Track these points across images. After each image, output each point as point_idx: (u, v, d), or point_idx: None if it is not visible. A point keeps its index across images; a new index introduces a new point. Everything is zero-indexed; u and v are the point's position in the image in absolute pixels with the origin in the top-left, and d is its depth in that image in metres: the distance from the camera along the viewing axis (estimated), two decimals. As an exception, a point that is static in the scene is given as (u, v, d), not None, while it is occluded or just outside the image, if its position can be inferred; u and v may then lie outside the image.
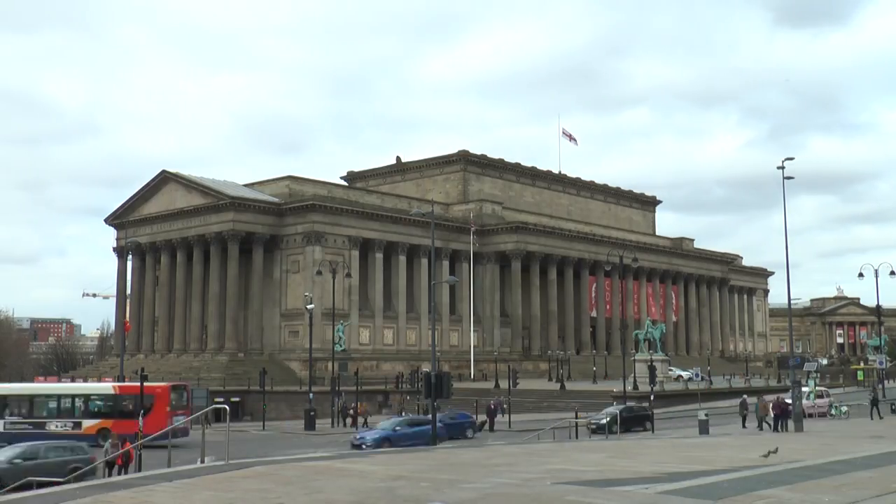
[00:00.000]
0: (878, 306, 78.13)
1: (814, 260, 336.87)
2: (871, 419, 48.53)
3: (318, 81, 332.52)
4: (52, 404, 48.07)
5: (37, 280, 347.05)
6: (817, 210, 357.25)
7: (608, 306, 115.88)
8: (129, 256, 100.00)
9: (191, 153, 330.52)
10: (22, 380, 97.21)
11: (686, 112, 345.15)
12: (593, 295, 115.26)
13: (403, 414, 59.58)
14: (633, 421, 48.92)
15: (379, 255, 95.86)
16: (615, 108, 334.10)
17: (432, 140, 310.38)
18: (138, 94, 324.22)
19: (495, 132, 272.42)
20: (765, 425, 42.66)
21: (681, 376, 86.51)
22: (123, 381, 59.12)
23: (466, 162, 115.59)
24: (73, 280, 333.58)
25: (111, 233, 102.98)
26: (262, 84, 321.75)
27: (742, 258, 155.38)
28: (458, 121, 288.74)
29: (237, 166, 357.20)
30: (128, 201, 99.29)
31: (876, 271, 64.51)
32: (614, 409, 49.88)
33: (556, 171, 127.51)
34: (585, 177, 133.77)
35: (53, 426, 46.13)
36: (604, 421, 45.87)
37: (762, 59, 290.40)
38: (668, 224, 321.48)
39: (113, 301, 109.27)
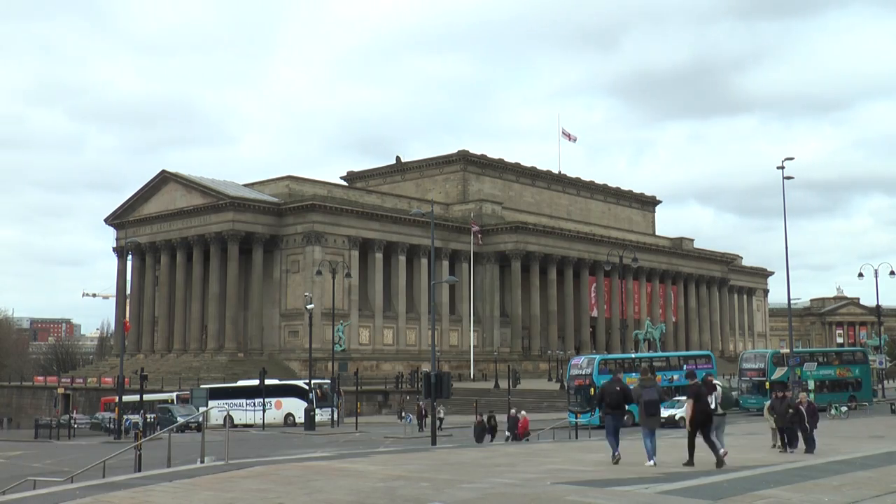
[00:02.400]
0: (878, 306, 78.21)
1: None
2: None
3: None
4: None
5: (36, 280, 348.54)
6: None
7: (608, 306, 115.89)
8: (129, 256, 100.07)
9: (300, 158, 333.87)
10: (21, 380, 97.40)
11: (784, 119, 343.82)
12: (593, 295, 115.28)
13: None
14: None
15: (379, 255, 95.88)
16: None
17: (433, 140, 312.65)
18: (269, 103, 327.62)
19: (494, 132, 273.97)
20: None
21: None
22: (123, 381, 59.61)
23: (466, 162, 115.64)
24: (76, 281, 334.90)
25: (111, 232, 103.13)
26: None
27: (742, 258, 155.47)
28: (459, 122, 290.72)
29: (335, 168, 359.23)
30: (128, 201, 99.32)
31: (876, 271, 64.62)
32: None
33: (555, 170, 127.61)
34: (585, 177, 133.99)
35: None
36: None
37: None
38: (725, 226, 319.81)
39: (113, 301, 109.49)
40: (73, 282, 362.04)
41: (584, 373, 53.96)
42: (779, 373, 60.10)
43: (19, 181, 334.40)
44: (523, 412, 44.08)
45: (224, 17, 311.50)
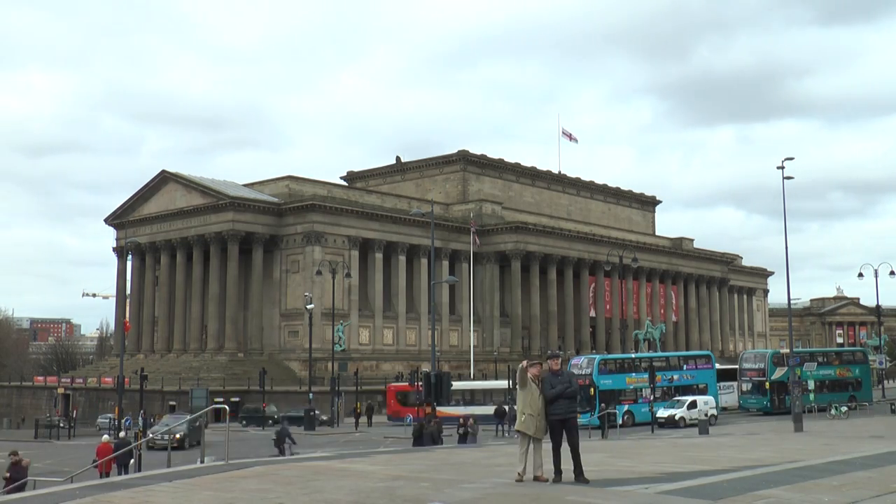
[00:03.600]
0: (878, 306, 78.22)
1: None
2: None
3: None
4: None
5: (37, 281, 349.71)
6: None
7: (608, 306, 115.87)
8: (129, 256, 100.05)
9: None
10: (21, 380, 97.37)
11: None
12: (593, 295, 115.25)
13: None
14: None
15: (379, 255, 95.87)
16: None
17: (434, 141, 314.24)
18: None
19: (493, 131, 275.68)
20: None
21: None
22: (123, 381, 59.46)
23: (466, 162, 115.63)
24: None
25: (111, 232, 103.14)
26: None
27: (742, 258, 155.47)
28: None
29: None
30: (127, 201, 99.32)
31: (876, 271, 64.63)
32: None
33: (555, 170, 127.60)
34: (585, 177, 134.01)
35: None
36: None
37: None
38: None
39: (112, 301, 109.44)
40: (97, 282, 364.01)
41: (584, 373, 53.98)
42: (779, 373, 60.08)
43: (63, 183, 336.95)
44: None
45: (300, 28, 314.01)
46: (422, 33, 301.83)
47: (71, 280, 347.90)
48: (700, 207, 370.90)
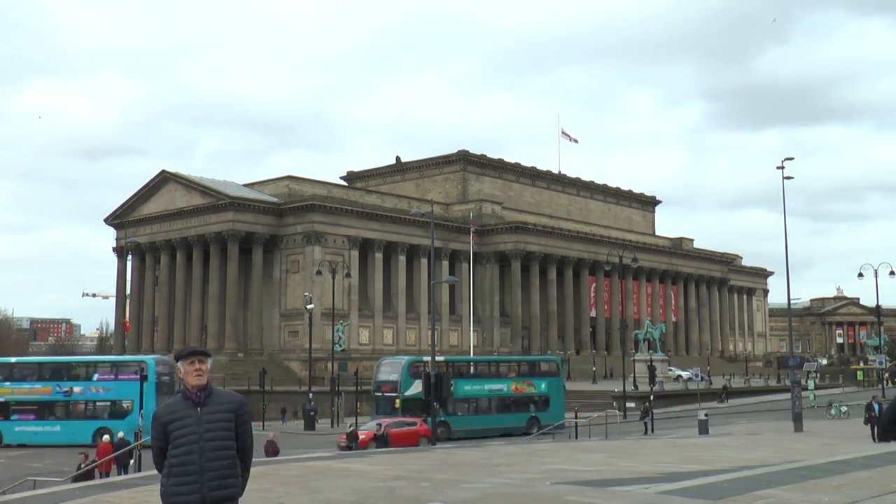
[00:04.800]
0: (878, 306, 78.16)
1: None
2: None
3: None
4: None
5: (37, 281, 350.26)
6: None
7: (608, 306, 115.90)
8: (129, 256, 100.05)
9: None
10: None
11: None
12: (593, 295, 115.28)
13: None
14: None
15: (379, 255, 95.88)
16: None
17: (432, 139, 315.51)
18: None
19: (492, 131, 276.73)
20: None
21: (680, 376, 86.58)
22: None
23: (466, 162, 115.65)
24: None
25: (111, 232, 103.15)
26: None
27: (741, 258, 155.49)
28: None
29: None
30: (127, 201, 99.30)
31: (876, 271, 64.53)
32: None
33: (555, 170, 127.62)
34: (585, 177, 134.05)
35: None
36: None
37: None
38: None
39: (112, 301, 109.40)
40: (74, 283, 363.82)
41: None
42: (416, 388, 46.04)
43: (107, 185, 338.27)
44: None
45: (378, 36, 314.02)
46: (489, 41, 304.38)
47: (74, 280, 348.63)
48: (734, 209, 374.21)
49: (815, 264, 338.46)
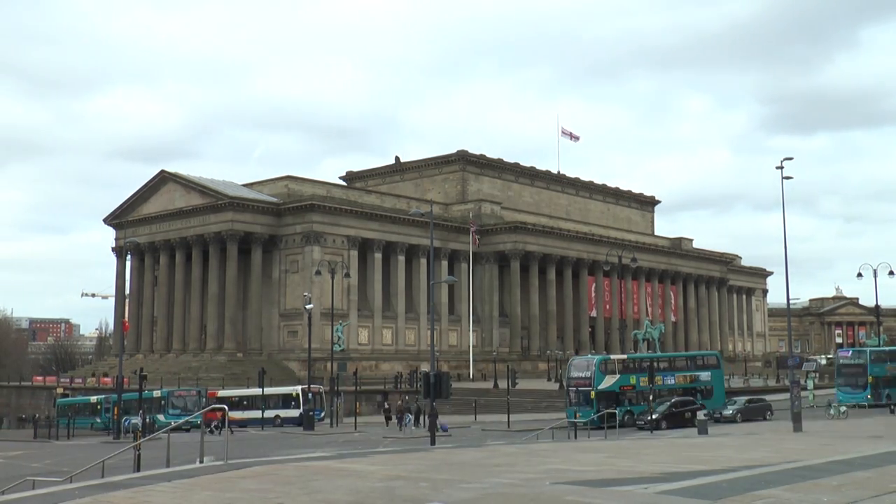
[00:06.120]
0: (877, 306, 78.18)
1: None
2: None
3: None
4: None
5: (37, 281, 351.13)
6: None
7: (607, 306, 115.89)
8: (128, 256, 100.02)
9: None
10: (20, 380, 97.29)
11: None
12: (592, 295, 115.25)
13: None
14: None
15: (378, 255, 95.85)
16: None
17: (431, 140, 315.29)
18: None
19: (493, 131, 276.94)
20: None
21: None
22: (122, 381, 59.65)
23: (465, 162, 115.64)
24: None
25: (110, 232, 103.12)
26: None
27: (741, 258, 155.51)
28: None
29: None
30: (127, 201, 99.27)
31: (875, 271, 64.60)
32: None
33: (554, 170, 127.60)
34: (584, 177, 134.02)
35: None
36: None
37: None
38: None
39: (112, 301, 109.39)
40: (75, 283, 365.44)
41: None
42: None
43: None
44: None
45: (456, 42, 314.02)
46: (567, 48, 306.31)
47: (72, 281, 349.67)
48: (768, 210, 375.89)
49: (835, 264, 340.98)
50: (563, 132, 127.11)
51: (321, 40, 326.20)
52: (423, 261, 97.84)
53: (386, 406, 64.55)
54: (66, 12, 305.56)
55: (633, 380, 53.40)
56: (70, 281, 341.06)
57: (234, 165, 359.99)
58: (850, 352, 65.89)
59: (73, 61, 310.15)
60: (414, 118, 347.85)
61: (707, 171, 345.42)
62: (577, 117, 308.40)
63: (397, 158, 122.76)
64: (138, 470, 25.96)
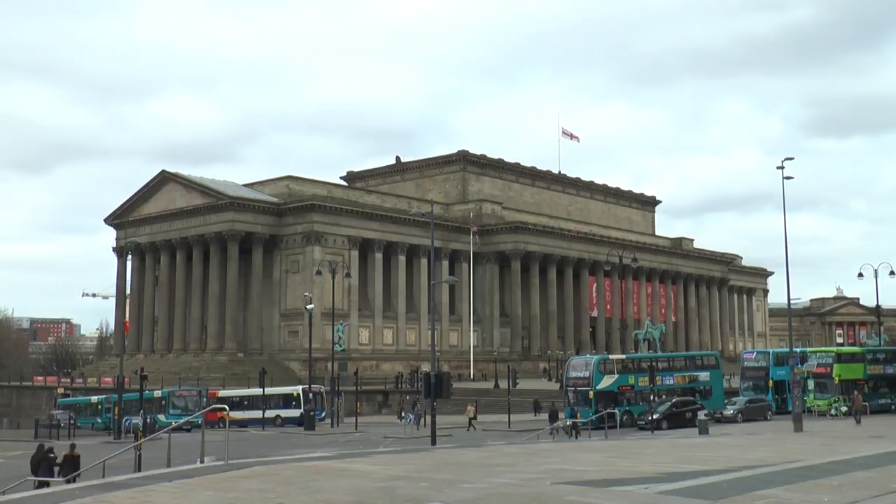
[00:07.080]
0: (878, 306, 78.16)
1: None
2: None
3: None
4: None
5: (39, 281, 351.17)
6: None
7: (608, 306, 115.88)
8: (129, 256, 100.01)
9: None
10: (21, 380, 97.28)
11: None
12: (593, 295, 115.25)
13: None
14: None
15: (378, 255, 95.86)
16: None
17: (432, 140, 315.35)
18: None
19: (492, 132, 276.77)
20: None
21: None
22: (123, 381, 59.75)
23: (466, 162, 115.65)
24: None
25: (111, 232, 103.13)
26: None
27: (741, 258, 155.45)
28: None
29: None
30: (127, 201, 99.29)
31: (875, 271, 64.53)
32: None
33: (555, 170, 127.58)
34: (585, 177, 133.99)
35: None
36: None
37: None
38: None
39: (112, 301, 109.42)
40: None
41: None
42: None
43: None
44: None
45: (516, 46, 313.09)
46: (615, 54, 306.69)
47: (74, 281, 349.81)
48: (792, 211, 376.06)
49: (851, 266, 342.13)
50: (563, 132, 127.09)
51: (376, 46, 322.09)
52: (424, 261, 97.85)
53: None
54: (126, 21, 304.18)
55: (631, 380, 53.54)
56: (70, 281, 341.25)
57: (266, 169, 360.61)
58: (754, 353, 65.78)
59: (129, 69, 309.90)
60: (462, 122, 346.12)
61: (736, 172, 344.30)
62: (621, 120, 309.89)
63: (398, 158, 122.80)
64: (139, 470, 25.96)
